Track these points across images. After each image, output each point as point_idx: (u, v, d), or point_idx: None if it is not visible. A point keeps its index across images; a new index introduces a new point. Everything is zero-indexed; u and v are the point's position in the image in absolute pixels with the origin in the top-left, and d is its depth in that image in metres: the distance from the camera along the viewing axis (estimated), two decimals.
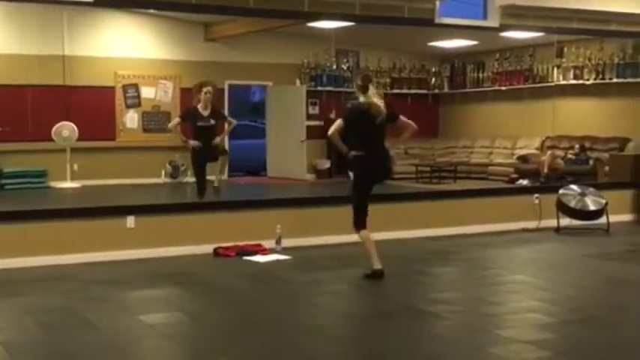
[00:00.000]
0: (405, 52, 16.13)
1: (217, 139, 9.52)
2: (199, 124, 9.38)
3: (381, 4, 9.31)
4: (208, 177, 9.64)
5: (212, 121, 9.46)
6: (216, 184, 9.81)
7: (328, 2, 9.09)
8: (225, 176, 14.63)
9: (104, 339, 5.16)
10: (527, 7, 10.01)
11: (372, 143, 6.93)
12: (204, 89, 9.38)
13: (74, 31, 13.53)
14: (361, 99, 6.94)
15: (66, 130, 13.11)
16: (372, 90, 6.91)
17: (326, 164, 15.28)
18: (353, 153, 6.94)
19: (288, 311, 6.09)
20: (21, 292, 6.55)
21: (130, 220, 8.00)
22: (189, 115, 9.60)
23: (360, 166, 7.01)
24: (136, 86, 14.23)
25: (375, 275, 6.91)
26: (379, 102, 6.89)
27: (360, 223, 7.00)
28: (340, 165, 14.50)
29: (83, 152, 13.38)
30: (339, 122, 6.89)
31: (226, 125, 10.43)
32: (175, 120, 10.06)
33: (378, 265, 6.93)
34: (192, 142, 9.42)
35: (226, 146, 14.48)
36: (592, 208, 9.81)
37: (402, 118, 7.14)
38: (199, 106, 9.42)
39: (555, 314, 5.79)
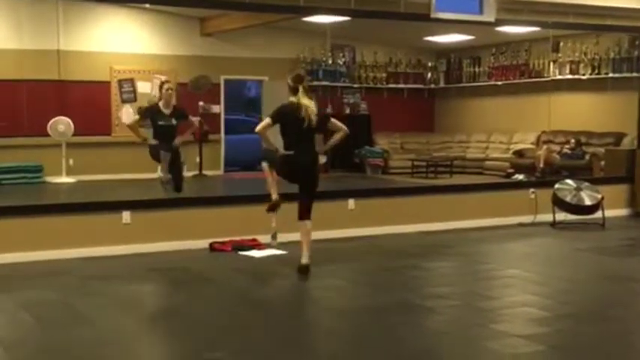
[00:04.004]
0: (401, 46, 16.12)
1: (177, 140, 8.75)
2: (160, 122, 8.67)
3: None
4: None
5: (174, 121, 8.72)
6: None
7: None
8: (221, 172, 14.72)
9: (99, 334, 5.16)
10: (523, 2, 10.00)
11: (298, 144, 6.89)
12: (165, 85, 8.80)
13: (69, 25, 13.48)
14: (291, 99, 6.87)
15: (61, 125, 13.08)
16: (301, 91, 6.81)
17: (322, 159, 15.21)
18: (281, 152, 6.93)
19: (283, 306, 6.10)
20: (17, 287, 6.55)
21: (126, 215, 8.00)
22: (149, 112, 8.94)
23: (284, 166, 7.00)
24: (131, 81, 14.17)
25: (300, 270, 6.96)
26: (309, 103, 6.85)
27: (300, 215, 7.10)
28: (339, 160, 14.56)
29: (79, 147, 13.35)
30: (266, 120, 6.85)
31: (192, 123, 9.56)
32: (134, 117, 9.33)
33: (305, 260, 6.99)
34: (151, 141, 8.79)
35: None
36: (588, 202, 9.83)
37: (334, 120, 7.15)
38: (160, 104, 8.77)
39: (550, 308, 5.80)
